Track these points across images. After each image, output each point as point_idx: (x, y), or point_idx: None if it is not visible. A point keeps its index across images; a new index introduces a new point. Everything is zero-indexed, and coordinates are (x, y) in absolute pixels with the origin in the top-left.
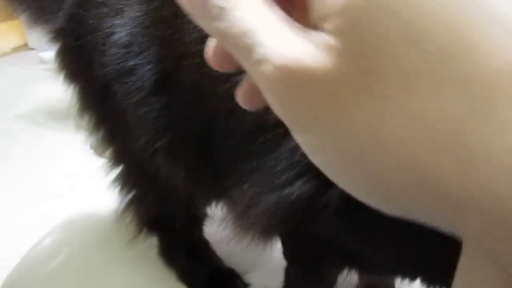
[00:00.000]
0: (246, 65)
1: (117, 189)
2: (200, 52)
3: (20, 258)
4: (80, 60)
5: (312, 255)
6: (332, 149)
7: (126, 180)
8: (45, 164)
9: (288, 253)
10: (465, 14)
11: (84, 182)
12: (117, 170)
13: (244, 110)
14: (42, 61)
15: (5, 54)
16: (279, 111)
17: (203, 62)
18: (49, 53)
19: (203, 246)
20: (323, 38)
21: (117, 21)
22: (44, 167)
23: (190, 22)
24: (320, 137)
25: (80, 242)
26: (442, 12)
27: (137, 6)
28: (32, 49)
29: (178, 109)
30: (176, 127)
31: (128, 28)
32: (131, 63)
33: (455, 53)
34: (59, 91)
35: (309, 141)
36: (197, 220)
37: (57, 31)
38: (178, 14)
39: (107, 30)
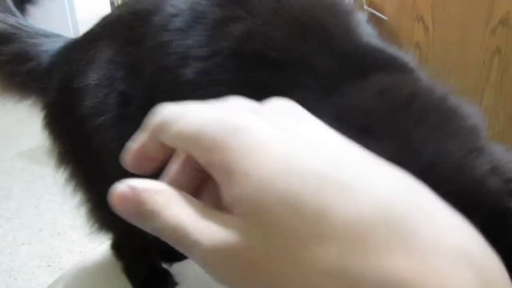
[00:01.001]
0: (181, 248)
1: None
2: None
3: None
4: (63, 120)
5: None
6: None
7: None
8: (46, 202)
9: None
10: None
11: (84, 222)
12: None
13: None
14: None
15: None
16: (213, 276)
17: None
18: None
19: (145, 249)
20: (234, 222)
21: (91, 67)
22: (45, 205)
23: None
24: None
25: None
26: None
27: (106, 50)
28: None
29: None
30: None
31: (99, 70)
32: (103, 93)
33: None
34: None
35: None
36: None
37: (47, 104)
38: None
39: (83, 77)
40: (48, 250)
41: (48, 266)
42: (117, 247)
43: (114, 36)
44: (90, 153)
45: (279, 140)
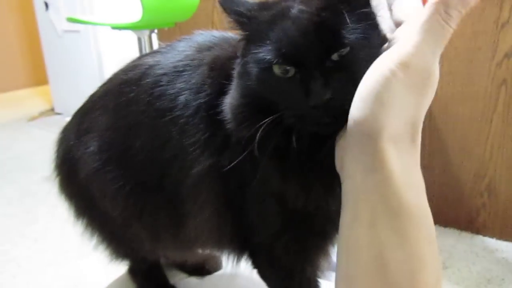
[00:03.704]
0: None
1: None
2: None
3: None
4: (71, 179)
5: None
6: None
7: (105, 233)
8: (71, 225)
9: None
10: None
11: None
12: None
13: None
14: None
15: (33, 118)
16: None
17: (153, 139)
18: None
19: (155, 271)
20: None
21: (89, 136)
22: (70, 228)
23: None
24: None
25: None
26: None
27: (102, 119)
28: (58, 113)
29: (135, 175)
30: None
31: (97, 138)
32: (103, 159)
33: None
34: None
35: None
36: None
37: (55, 169)
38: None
39: (85, 146)
40: (74, 271)
41: (75, 286)
42: (132, 271)
43: (107, 106)
44: (96, 205)
45: None
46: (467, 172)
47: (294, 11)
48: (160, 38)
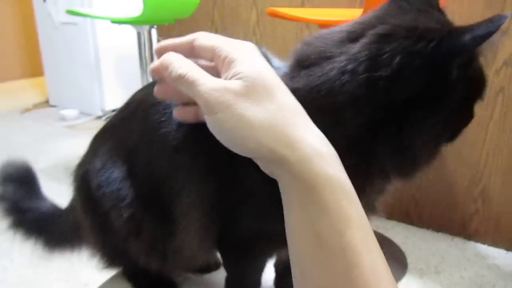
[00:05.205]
0: (191, 93)
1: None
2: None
3: None
4: (88, 199)
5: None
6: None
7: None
8: None
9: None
10: None
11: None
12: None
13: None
14: (62, 118)
15: (27, 110)
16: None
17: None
18: (69, 111)
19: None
20: (231, 82)
21: (95, 159)
22: None
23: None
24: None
25: None
26: None
27: (104, 148)
28: (53, 106)
29: (138, 189)
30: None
31: (101, 158)
32: (115, 185)
33: None
34: (77, 148)
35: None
36: None
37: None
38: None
39: (90, 165)
40: (66, 265)
41: (67, 280)
42: (125, 274)
43: (106, 139)
44: (103, 218)
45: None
46: (462, 178)
47: None
48: (159, 34)
